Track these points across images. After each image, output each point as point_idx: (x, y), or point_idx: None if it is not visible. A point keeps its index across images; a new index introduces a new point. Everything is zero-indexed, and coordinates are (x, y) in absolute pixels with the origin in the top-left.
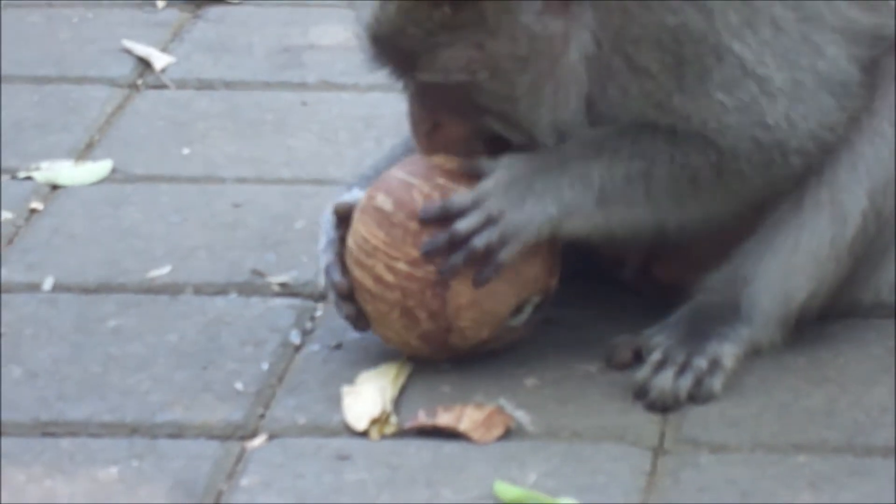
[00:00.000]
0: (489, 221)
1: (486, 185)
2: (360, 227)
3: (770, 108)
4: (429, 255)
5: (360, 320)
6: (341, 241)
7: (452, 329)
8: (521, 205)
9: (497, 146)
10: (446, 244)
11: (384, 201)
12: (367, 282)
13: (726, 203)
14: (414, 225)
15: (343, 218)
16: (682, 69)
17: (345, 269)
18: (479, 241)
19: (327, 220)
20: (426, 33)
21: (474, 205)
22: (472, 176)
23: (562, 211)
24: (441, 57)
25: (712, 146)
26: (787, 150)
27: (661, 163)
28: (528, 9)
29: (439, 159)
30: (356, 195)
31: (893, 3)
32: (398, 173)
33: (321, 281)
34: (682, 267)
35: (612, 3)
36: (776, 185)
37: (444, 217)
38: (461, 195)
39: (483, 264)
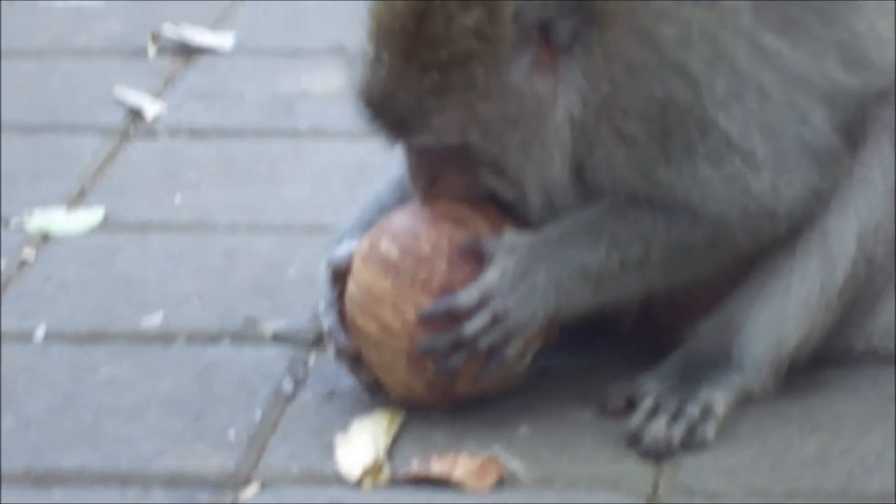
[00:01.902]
0: (495, 321)
1: (491, 279)
2: (365, 275)
3: (755, 179)
4: (425, 354)
5: (376, 387)
6: (340, 298)
7: (461, 375)
8: (524, 302)
9: (494, 196)
10: (448, 346)
11: (389, 249)
12: (373, 330)
13: (715, 266)
14: (422, 272)
15: (339, 276)
16: (668, 141)
17: (347, 329)
18: (483, 343)
19: (323, 278)
20: (417, 99)
21: (480, 304)
22: (476, 251)
23: (561, 302)
24: (433, 121)
25: (702, 218)
26: (775, 216)
27: (657, 246)
28: (516, 69)
29: (442, 205)
30: (349, 248)
31: (877, 62)
32: (401, 220)
33: (329, 349)
34: (680, 311)
35: (600, 70)
36: (765, 246)
37: (450, 316)
38: (466, 294)
39: (487, 361)
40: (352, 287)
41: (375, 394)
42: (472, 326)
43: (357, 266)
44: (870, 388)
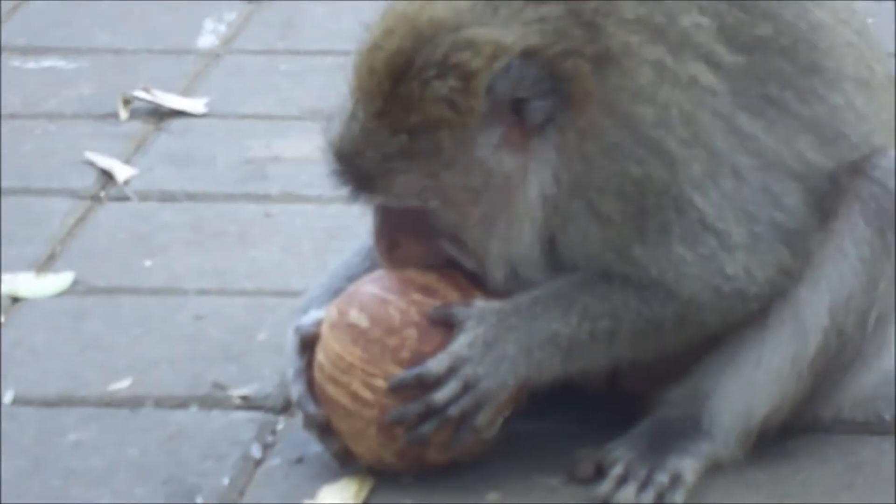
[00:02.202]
0: (465, 389)
1: (461, 346)
2: (334, 344)
3: (729, 261)
4: (396, 424)
5: (346, 456)
6: (308, 366)
7: (432, 444)
8: (495, 371)
9: (457, 265)
10: (419, 414)
11: (359, 318)
12: (343, 399)
13: (684, 342)
14: (392, 341)
15: (308, 344)
16: (643, 220)
17: (316, 398)
18: (454, 410)
19: (291, 345)
20: (383, 158)
21: (450, 372)
22: (446, 319)
23: (531, 370)
24: (396, 182)
25: (674, 296)
26: (746, 297)
27: (627, 320)
28: (484, 143)
29: (411, 273)
30: (315, 317)
31: (852, 137)
32: (371, 288)
33: (298, 417)
34: (649, 379)
35: (573, 150)
36: (734, 324)
37: (420, 385)
38: (436, 361)
39: (457, 428)
40: (321, 356)
41: (345, 462)
42: (442, 395)
43: (326, 334)
44: (837, 458)
